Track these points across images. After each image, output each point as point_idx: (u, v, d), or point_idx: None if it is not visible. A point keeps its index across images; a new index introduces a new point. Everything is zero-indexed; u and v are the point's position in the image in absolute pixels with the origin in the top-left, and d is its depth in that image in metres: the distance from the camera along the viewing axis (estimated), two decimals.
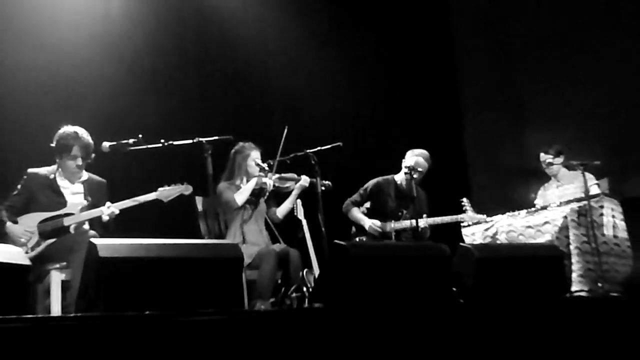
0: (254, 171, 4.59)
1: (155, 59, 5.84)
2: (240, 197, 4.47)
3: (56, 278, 3.78)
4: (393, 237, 4.88)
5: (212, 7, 6.22)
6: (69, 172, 4.13)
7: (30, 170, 4.12)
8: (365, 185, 5.06)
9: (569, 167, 5.11)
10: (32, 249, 3.86)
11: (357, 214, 4.99)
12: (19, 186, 4.09)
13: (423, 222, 4.76)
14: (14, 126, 5.06)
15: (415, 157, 4.90)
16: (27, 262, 2.86)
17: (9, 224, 3.92)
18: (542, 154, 5.25)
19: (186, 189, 4.13)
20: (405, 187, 4.97)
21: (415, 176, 4.74)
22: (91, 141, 4.09)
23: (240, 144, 4.68)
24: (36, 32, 5.34)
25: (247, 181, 4.62)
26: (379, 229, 4.87)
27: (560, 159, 5.15)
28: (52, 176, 4.12)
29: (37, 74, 5.25)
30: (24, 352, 2.05)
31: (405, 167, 4.88)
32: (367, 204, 5.07)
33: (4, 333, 2.04)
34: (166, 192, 4.07)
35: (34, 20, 5.33)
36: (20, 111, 5.12)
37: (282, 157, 4.60)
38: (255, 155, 4.64)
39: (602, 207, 4.58)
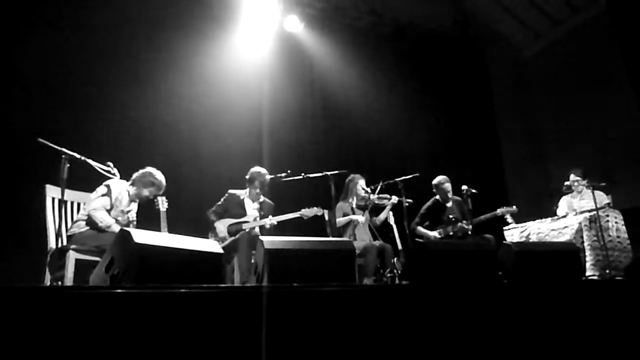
0: (360, 193, 4.63)
1: (294, 119, 5.82)
2: (340, 221, 4.51)
3: (236, 261, 3.86)
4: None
5: (329, 77, 6.14)
6: (252, 196, 4.32)
7: (230, 190, 4.30)
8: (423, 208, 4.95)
9: (587, 186, 4.83)
10: (223, 241, 4.00)
11: (422, 230, 4.86)
12: (222, 199, 4.26)
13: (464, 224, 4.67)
14: (218, 159, 5.17)
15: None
16: (220, 251, 2.96)
17: (216, 222, 4.12)
18: (572, 175, 4.92)
19: (319, 211, 4.25)
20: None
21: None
22: (268, 178, 4.27)
23: (352, 175, 4.70)
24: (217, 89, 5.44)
25: (356, 200, 4.66)
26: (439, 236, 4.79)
27: (585, 180, 4.85)
28: (242, 197, 4.30)
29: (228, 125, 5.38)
30: (220, 308, 2.08)
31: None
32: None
33: (207, 296, 2.09)
34: (307, 212, 4.19)
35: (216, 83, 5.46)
36: (223, 149, 5.23)
37: (381, 184, 4.59)
38: (361, 182, 4.66)
39: (607, 215, 4.33)
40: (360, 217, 4.49)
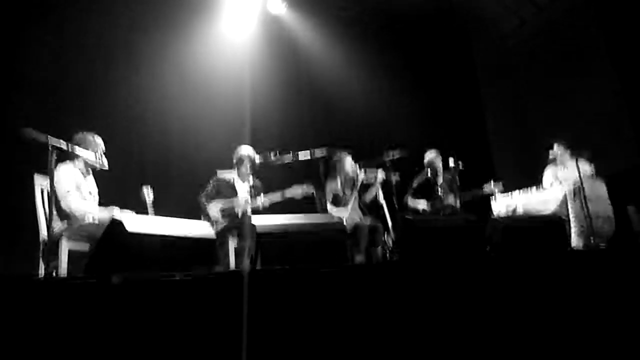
0: (348, 171, 4.58)
1: (279, 100, 5.76)
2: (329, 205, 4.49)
3: (231, 245, 3.85)
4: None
5: (314, 58, 6.12)
6: (243, 176, 4.25)
7: (218, 171, 4.22)
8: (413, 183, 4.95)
9: (570, 156, 4.87)
10: (216, 225, 3.93)
11: (413, 203, 4.87)
12: (211, 182, 4.17)
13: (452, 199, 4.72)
14: (205, 140, 5.10)
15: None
16: (213, 234, 2.84)
17: (209, 206, 4.03)
18: (555, 145, 4.94)
19: (310, 190, 4.17)
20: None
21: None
22: (257, 157, 4.22)
23: (338, 153, 4.65)
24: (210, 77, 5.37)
25: (345, 178, 4.62)
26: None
27: (568, 150, 4.89)
28: (232, 178, 4.23)
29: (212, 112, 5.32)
30: (215, 290, 2.10)
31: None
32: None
33: (201, 280, 2.12)
34: (298, 191, 4.12)
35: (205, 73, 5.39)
36: (209, 130, 5.18)
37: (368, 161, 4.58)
38: (348, 160, 4.62)
39: (591, 185, 4.38)
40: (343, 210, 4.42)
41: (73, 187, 3.32)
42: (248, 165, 4.21)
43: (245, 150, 4.27)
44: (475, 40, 7.33)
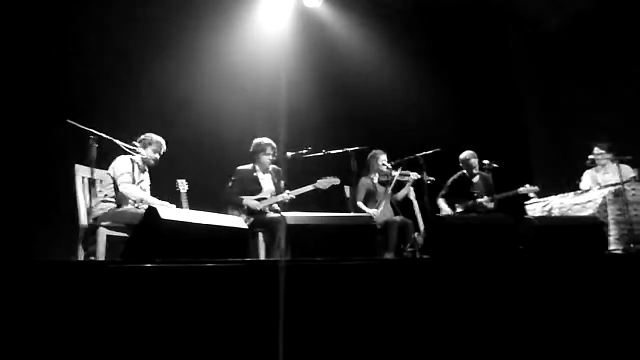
0: (382, 169, 4.59)
1: (314, 96, 5.73)
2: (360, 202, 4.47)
3: (262, 238, 3.95)
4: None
5: (348, 53, 6.03)
6: (263, 168, 4.20)
7: (239, 167, 4.19)
8: (449, 182, 4.91)
9: (612, 160, 4.70)
10: (247, 219, 3.93)
11: (443, 205, 4.83)
12: (233, 178, 4.14)
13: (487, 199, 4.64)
14: (238, 133, 5.01)
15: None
16: (245, 227, 2.90)
17: (245, 199, 4.01)
18: (596, 148, 4.76)
19: (336, 181, 4.14)
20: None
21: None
22: (276, 149, 4.21)
23: (373, 151, 4.68)
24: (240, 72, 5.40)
25: (378, 176, 4.61)
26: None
27: (609, 154, 4.70)
28: (254, 172, 4.18)
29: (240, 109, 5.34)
30: (243, 280, 2.14)
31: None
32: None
33: (231, 270, 2.15)
34: (323, 182, 4.10)
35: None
36: (242, 124, 5.17)
37: (402, 160, 4.55)
38: (382, 158, 4.63)
39: (633, 189, 4.22)
40: (375, 211, 4.39)
41: (128, 175, 3.54)
42: (270, 153, 4.17)
43: (264, 139, 4.23)
44: (512, 33, 7.11)
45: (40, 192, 4.28)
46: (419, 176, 4.44)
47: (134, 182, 3.56)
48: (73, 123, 3.11)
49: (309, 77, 5.72)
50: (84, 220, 3.36)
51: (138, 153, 3.59)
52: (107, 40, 4.86)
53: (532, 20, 6.90)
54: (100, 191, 3.53)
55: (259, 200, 4.04)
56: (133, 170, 3.58)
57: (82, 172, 3.48)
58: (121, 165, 3.56)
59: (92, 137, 3.16)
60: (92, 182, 3.25)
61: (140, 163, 3.69)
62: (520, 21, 6.95)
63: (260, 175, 4.20)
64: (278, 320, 2.02)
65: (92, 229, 3.25)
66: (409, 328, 2.25)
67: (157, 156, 3.73)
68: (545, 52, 6.99)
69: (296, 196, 4.07)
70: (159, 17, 5.10)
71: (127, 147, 3.47)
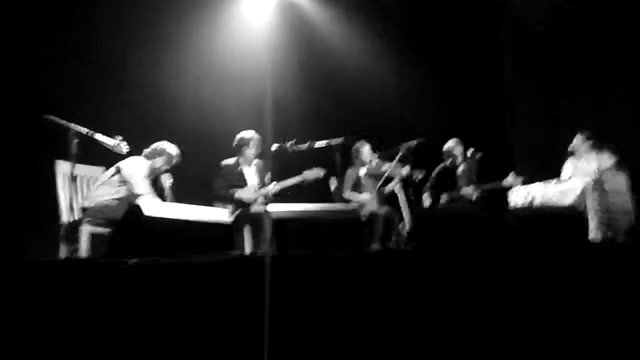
0: (371, 164, 4.61)
1: (297, 89, 5.70)
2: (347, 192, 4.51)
3: (248, 232, 3.87)
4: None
5: (332, 46, 6.01)
6: (248, 161, 4.20)
7: (223, 162, 4.20)
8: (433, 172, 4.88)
9: (591, 148, 4.77)
10: (233, 212, 3.95)
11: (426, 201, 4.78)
12: (219, 175, 4.14)
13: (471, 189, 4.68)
14: (222, 126, 4.99)
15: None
16: (229, 220, 2.96)
17: (237, 192, 4.01)
18: (577, 136, 4.84)
19: (321, 172, 4.18)
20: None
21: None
22: (260, 141, 4.21)
23: (357, 142, 4.67)
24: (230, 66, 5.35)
25: (367, 169, 4.62)
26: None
27: (589, 142, 4.78)
28: (239, 166, 4.18)
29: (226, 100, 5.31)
30: (228, 275, 2.14)
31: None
32: None
33: (219, 264, 2.16)
34: (309, 174, 4.13)
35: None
36: (227, 117, 5.09)
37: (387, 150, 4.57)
38: (365, 149, 4.63)
39: (611, 177, 4.32)
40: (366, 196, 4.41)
41: (144, 183, 3.51)
42: (254, 147, 4.17)
43: (248, 133, 4.22)
44: (504, 27, 7.10)
45: (21, 189, 4.21)
46: (408, 171, 4.43)
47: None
48: (51, 118, 3.05)
49: (293, 70, 5.69)
50: (65, 217, 3.31)
51: (119, 149, 3.53)
52: (89, 34, 4.78)
53: (522, 14, 6.91)
54: (103, 189, 3.46)
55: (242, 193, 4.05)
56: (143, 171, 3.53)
57: (62, 168, 3.42)
58: (132, 165, 3.51)
59: (71, 131, 3.10)
60: (72, 178, 3.19)
61: (146, 169, 3.62)
62: (510, 14, 6.95)
63: (245, 168, 4.20)
64: (263, 314, 2.02)
65: (74, 226, 3.21)
66: (395, 319, 2.27)
67: (165, 168, 3.65)
68: (535, 46, 7.01)
69: (282, 188, 4.07)
70: (142, 11, 5.01)
71: (107, 144, 3.41)
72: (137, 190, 3.44)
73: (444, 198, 4.78)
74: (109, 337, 1.94)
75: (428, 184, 4.85)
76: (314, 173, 4.14)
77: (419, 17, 6.49)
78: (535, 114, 6.86)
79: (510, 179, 4.72)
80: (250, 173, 4.21)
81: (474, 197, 4.69)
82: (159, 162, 3.63)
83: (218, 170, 4.19)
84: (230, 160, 4.22)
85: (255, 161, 4.26)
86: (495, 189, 4.79)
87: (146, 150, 3.67)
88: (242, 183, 4.13)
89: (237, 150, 4.22)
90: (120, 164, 3.54)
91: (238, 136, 4.23)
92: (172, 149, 3.69)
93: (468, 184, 4.73)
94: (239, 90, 5.35)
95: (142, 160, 3.61)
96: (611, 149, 4.64)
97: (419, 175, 4.38)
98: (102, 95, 4.71)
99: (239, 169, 4.19)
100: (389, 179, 4.59)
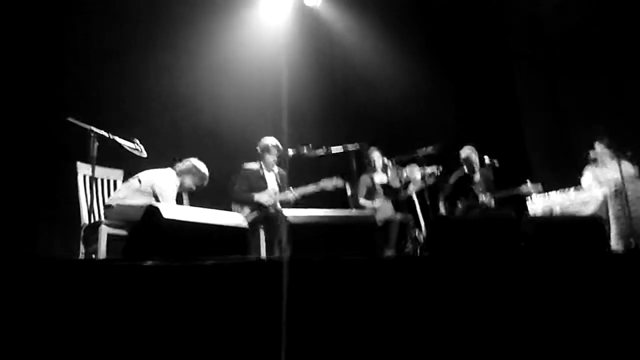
0: (379, 166, 4.61)
1: (314, 94, 5.74)
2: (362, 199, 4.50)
3: (262, 235, 3.94)
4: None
5: (349, 51, 6.05)
6: (269, 166, 4.26)
7: (245, 165, 4.24)
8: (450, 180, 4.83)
9: (612, 157, 4.69)
10: (246, 217, 3.90)
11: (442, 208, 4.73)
12: (239, 176, 4.18)
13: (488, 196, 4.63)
14: (239, 131, 5.10)
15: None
16: (245, 224, 2.85)
17: (256, 195, 4.07)
18: (597, 143, 4.74)
19: (340, 182, 4.19)
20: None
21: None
22: (281, 148, 4.25)
23: (371, 147, 4.67)
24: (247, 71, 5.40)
25: (379, 172, 4.63)
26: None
27: (610, 150, 4.69)
28: (260, 169, 4.22)
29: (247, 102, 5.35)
30: (244, 278, 2.13)
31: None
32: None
33: (231, 268, 2.14)
34: (328, 183, 4.15)
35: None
36: (243, 121, 5.17)
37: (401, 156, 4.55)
38: (375, 154, 4.62)
39: (633, 186, 4.23)
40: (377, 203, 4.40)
41: (170, 193, 3.50)
42: (275, 154, 4.21)
43: (270, 139, 4.26)
44: (512, 29, 7.05)
45: (42, 190, 4.28)
46: (422, 175, 4.41)
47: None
48: (73, 120, 3.10)
49: (309, 75, 5.72)
50: (85, 218, 3.35)
51: (140, 152, 3.57)
52: (108, 38, 4.85)
53: (532, 15, 6.85)
54: (129, 191, 3.47)
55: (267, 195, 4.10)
56: (165, 188, 3.52)
57: (83, 170, 3.47)
58: (170, 184, 3.51)
59: (92, 134, 3.15)
60: (93, 180, 3.23)
61: (177, 182, 3.62)
62: (520, 16, 6.90)
63: (265, 173, 4.25)
64: (280, 317, 2.01)
65: (94, 227, 3.25)
66: (410, 325, 2.25)
67: (194, 188, 3.66)
68: (545, 48, 6.93)
69: (300, 195, 4.11)
70: (160, 15, 5.09)
71: (128, 146, 3.46)
72: (163, 196, 3.45)
73: (460, 205, 4.74)
74: (123, 337, 1.95)
75: (445, 194, 4.80)
76: (333, 182, 4.16)
77: (432, 20, 6.49)
78: (549, 120, 6.78)
79: (527, 185, 4.66)
80: (271, 178, 4.26)
81: (491, 204, 4.64)
82: (189, 180, 3.62)
83: (239, 172, 4.22)
84: (252, 164, 4.27)
85: (276, 168, 4.31)
86: (512, 195, 4.73)
87: (179, 166, 3.65)
88: (262, 187, 4.16)
89: (259, 155, 4.26)
90: (153, 176, 3.53)
91: (261, 141, 4.28)
92: (204, 169, 3.68)
93: (485, 192, 4.69)
94: (256, 95, 5.40)
95: (173, 176, 3.60)
96: (631, 157, 4.55)
97: (435, 172, 4.31)
98: (122, 99, 4.78)
99: (260, 172, 4.23)
100: (405, 185, 4.57)
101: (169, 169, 3.61)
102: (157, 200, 3.43)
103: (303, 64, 5.67)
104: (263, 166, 4.24)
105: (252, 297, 2.11)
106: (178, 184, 3.60)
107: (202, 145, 5.08)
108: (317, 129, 5.41)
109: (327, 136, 4.87)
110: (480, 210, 4.60)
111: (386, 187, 4.57)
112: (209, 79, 5.24)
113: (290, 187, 4.14)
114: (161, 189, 3.47)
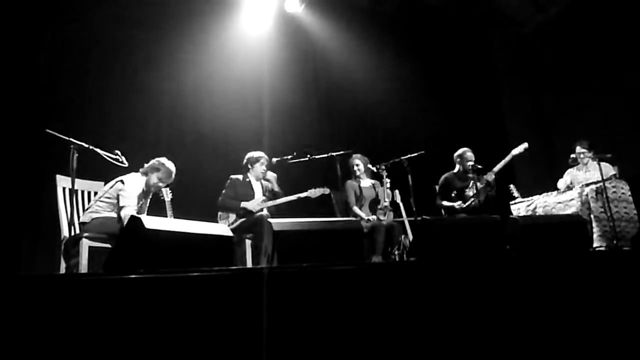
0: (362, 173, 4.61)
1: (297, 101, 5.72)
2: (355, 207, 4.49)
3: (248, 243, 3.92)
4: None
5: (331, 58, 6.03)
6: (257, 176, 4.32)
7: (232, 176, 4.29)
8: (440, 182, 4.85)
9: (593, 158, 4.75)
10: (232, 224, 4.01)
11: (446, 203, 4.75)
12: (226, 185, 4.22)
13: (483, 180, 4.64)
14: (220, 141, 5.11)
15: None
16: (230, 234, 2.82)
17: (243, 203, 4.10)
18: (578, 147, 4.81)
19: (326, 191, 4.27)
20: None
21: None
22: (269, 160, 4.32)
23: (354, 155, 4.64)
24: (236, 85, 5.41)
25: (360, 179, 4.63)
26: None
27: (591, 152, 4.76)
28: (247, 178, 4.30)
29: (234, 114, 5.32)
30: (229, 289, 2.09)
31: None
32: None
33: (216, 279, 2.10)
34: (314, 192, 4.23)
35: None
36: (225, 132, 5.17)
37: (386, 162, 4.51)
38: (356, 161, 4.60)
39: (614, 186, 4.29)
40: (373, 217, 4.40)
41: (135, 198, 3.46)
42: (264, 164, 4.30)
43: (257, 153, 4.36)
44: (496, 33, 7.16)
45: (21, 204, 4.19)
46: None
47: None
48: (52, 132, 3.04)
49: (292, 83, 5.72)
50: (65, 231, 3.28)
51: (121, 162, 3.52)
52: (89, 49, 4.80)
53: (514, 20, 6.97)
54: (99, 203, 3.43)
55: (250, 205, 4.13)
56: (134, 192, 3.50)
57: (63, 183, 3.41)
58: (132, 185, 3.48)
59: (72, 146, 3.09)
60: (73, 192, 3.17)
61: (143, 184, 3.60)
62: (503, 20, 7.01)
63: (252, 181, 4.31)
64: (262, 327, 1.99)
65: (74, 240, 3.18)
66: (398, 332, 2.23)
67: (161, 185, 3.61)
68: (528, 52, 7.06)
69: (287, 202, 4.17)
70: (142, 24, 5.06)
71: (109, 157, 3.41)
72: (122, 203, 3.39)
73: (448, 207, 4.74)
74: (108, 351, 1.90)
75: (439, 192, 4.80)
76: (319, 191, 4.24)
77: (415, 25, 6.54)
78: (531, 122, 6.88)
79: (517, 148, 4.70)
80: (258, 187, 4.31)
81: (479, 204, 4.64)
82: (155, 177, 3.57)
83: (228, 181, 4.27)
84: (239, 175, 4.34)
85: (263, 177, 4.37)
86: (506, 164, 4.73)
87: (144, 166, 3.64)
88: (250, 193, 4.23)
89: (247, 166, 4.34)
90: (118, 179, 3.51)
91: (248, 155, 4.36)
92: (168, 164, 3.64)
93: (474, 190, 4.68)
94: (239, 103, 5.38)
95: (138, 177, 3.57)
96: (612, 158, 4.61)
97: (410, 179, 4.31)
98: (104, 110, 4.72)
99: (247, 181, 4.30)
100: (391, 191, 4.56)
101: (132, 173, 3.56)
102: (118, 203, 3.39)
103: (286, 71, 5.67)
104: (250, 176, 4.33)
105: (237, 308, 2.08)
106: (143, 183, 3.56)
107: (185, 157, 5.05)
108: (301, 136, 5.40)
109: (311, 144, 4.86)
110: (467, 212, 4.62)
111: (374, 200, 4.55)
112: (191, 86, 5.22)
113: (274, 195, 4.22)
114: (122, 190, 3.44)
